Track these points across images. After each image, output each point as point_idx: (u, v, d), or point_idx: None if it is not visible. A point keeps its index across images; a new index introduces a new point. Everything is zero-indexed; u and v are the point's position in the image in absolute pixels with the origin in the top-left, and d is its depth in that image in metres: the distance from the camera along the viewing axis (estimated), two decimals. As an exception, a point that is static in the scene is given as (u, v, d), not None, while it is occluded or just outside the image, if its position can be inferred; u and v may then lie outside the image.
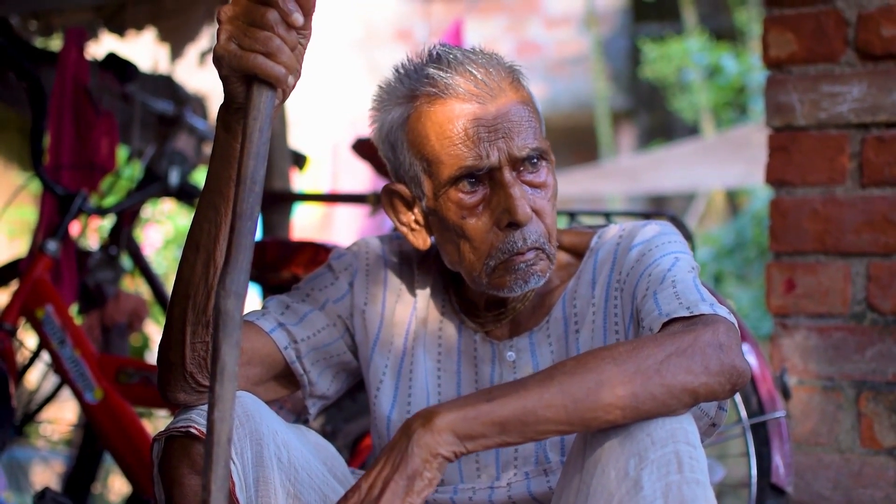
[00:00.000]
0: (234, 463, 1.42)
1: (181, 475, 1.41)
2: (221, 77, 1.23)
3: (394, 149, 1.58)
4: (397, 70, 1.58)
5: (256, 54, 1.18)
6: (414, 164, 1.56)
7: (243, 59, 1.19)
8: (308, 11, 1.20)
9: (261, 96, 1.18)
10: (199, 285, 1.38)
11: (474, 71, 1.52)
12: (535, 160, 1.53)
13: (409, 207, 1.61)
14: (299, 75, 1.22)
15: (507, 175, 1.51)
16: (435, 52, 1.56)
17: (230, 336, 1.11)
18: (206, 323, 1.41)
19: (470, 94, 1.51)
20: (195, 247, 1.37)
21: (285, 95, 1.22)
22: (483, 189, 1.53)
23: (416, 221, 1.61)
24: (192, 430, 1.41)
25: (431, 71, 1.53)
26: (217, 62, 1.22)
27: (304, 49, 1.23)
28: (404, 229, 1.62)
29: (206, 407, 1.45)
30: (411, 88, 1.55)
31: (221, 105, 1.28)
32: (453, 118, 1.51)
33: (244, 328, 1.56)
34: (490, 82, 1.52)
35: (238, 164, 1.16)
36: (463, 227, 1.53)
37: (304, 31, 1.21)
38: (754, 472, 2.18)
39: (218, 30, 1.21)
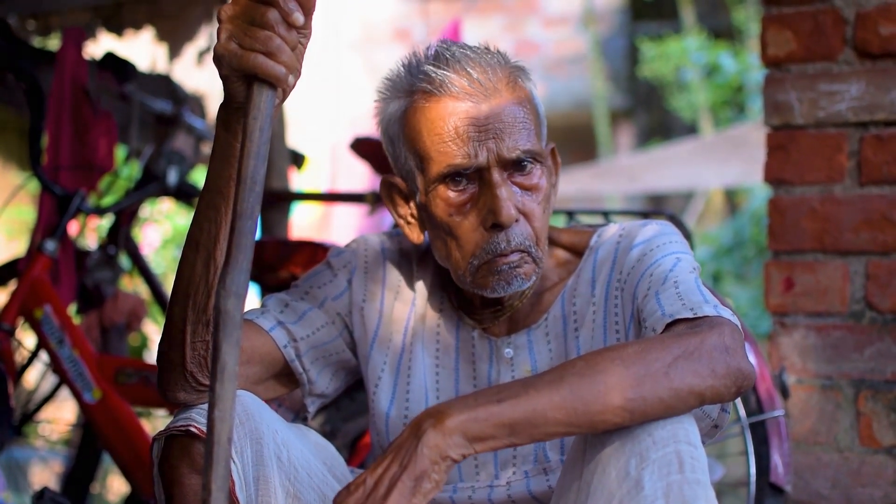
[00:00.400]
0: (233, 462, 1.42)
1: (181, 474, 1.41)
2: (222, 76, 1.23)
3: (392, 142, 1.59)
4: (401, 64, 1.59)
5: (257, 54, 1.18)
6: (408, 159, 1.57)
7: (244, 59, 1.19)
8: (308, 11, 1.21)
9: (261, 96, 1.18)
10: (199, 284, 1.38)
11: (471, 69, 1.52)
12: (527, 163, 1.53)
13: (406, 201, 1.62)
14: (299, 75, 1.22)
15: (496, 175, 1.51)
16: (434, 49, 1.56)
17: (230, 335, 1.11)
18: (206, 322, 1.41)
19: (464, 92, 1.51)
20: (195, 246, 1.37)
21: (285, 95, 1.22)
22: (472, 188, 1.53)
23: (412, 215, 1.62)
24: (192, 429, 1.40)
25: (428, 68, 1.53)
26: (217, 61, 1.22)
27: (305, 48, 1.23)
28: (401, 221, 1.63)
29: (205, 406, 1.45)
30: (410, 84, 1.55)
31: (221, 104, 1.28)
32: (445, 116, 1.51)
33: (243, 327, 1.56)
34: (486, 81, 1.51)
35: (238, 164, 1.16)
36: (450, 225, 1.53)
37: (304, 30, 1.21)
38: (753, 470, 2.18)
39: (218, 29, 1.21)
